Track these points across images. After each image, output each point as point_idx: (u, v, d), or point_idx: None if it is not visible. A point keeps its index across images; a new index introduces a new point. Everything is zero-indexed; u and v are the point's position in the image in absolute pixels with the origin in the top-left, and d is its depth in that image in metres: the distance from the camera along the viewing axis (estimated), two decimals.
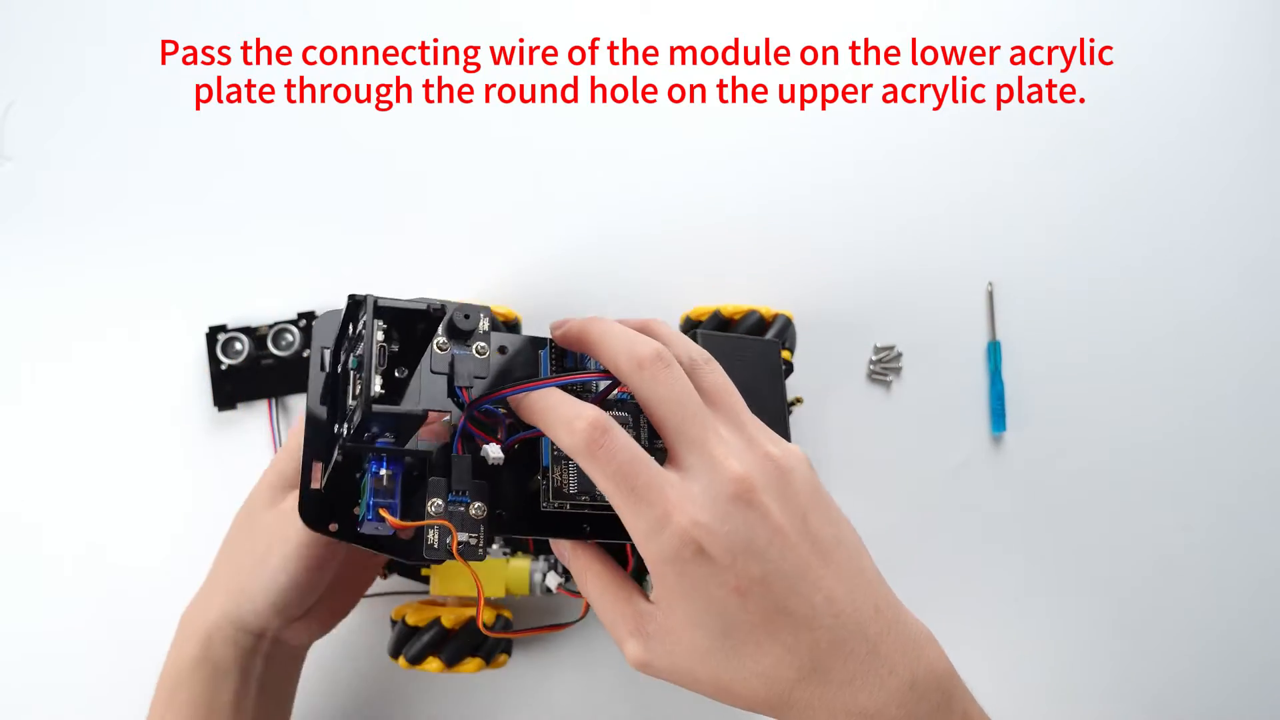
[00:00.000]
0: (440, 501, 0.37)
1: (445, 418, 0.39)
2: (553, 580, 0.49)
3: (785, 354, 0.51)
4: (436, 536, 0.37)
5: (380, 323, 0.35)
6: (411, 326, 0.36)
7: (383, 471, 0.36)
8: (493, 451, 0.37)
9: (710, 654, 0.35)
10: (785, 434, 0.41)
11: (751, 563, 0.34)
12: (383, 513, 0.36)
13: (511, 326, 0.53)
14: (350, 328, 0.39)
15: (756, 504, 0.35)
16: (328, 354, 0.41)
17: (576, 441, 0.35)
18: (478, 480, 0.38)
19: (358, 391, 0.36)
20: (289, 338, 0.56)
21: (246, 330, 0.56)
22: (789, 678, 0.35)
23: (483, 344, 0.39)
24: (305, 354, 0.56)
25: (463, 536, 0.37)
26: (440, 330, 0.38)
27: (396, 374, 0.37)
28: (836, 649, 0.35)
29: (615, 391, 0.39)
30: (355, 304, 0.37)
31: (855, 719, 0.35)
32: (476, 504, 0.37)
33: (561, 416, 0.36)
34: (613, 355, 0.37)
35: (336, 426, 0.39)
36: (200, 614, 0.45)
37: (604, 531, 0.39)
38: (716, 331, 0.43)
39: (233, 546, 0.46)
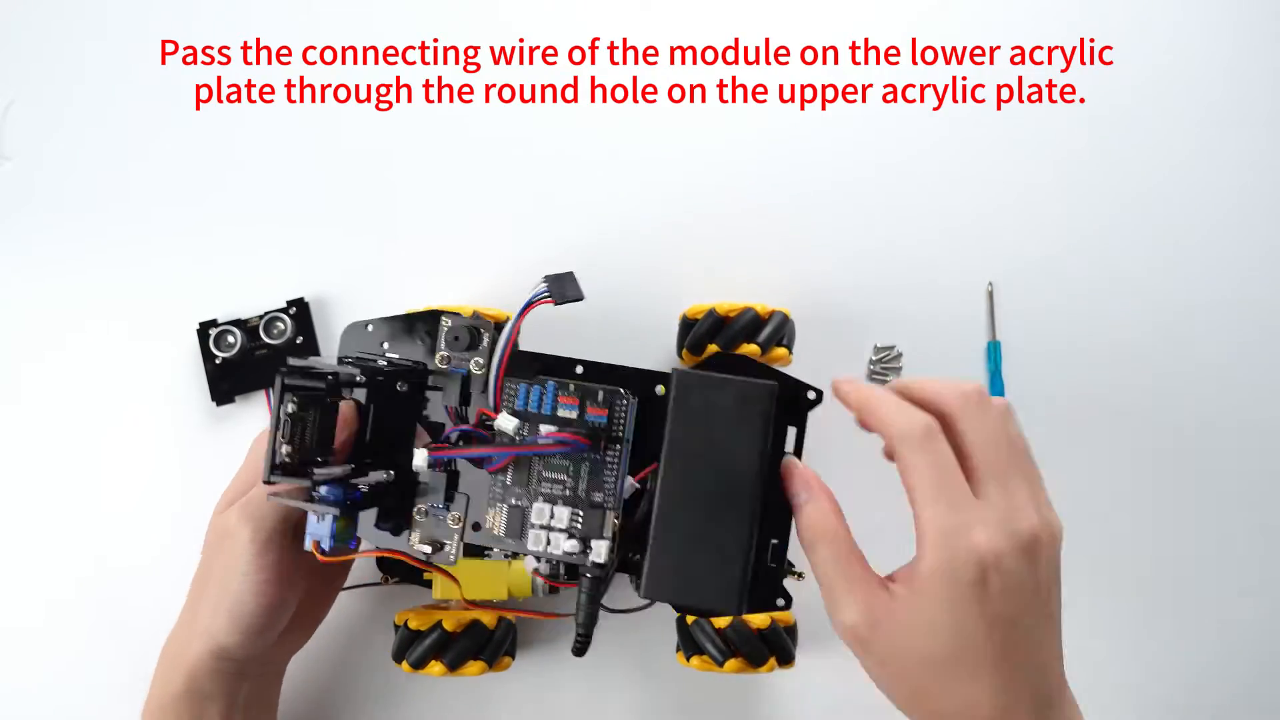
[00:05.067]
0: (423, 507, 0.44)
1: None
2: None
3: (783, 350, 0.51)
4: (417, 541, 0.44)
5: (291, 396, 0.40)
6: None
7: (315, 519, 0.41)
8: (507, 425, 0.41)
9: (929, 663, 0.37)
10: (752, 487, 0.40)
11: (1011, 605, 0.37)
12: (313, 547, 0.41)
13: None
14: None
15: (1036, 559, 0.37)
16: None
17: (914, 430, 0.37)
18: (455, 493, 0.43)
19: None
20: (280, 326, 0.56)
21: (237, 323, 0.56)
22: (984, 716, 0.37)
23: (480, 359, 0.44)
24: (299, 340, 0.56)
25: (432, 548, 0.43)
26: (442, 344, 0.44)
27: (399, 387, 0.44)
28: (1035, 710, 0.37)
29: (545, 450, 0.42)
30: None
31: None
32: (453, 513, 0.43)
33: (900, 410, 0.38)
34: (936, 393, 0.39)
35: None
36: (181, 650, 0.45)
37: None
38: (693, 371, 0.41)
39: (202, 582, 0.46)
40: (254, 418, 0.56)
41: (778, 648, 0.48)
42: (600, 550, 0.41)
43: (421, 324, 0.45)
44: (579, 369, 0.43)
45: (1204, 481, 0.57)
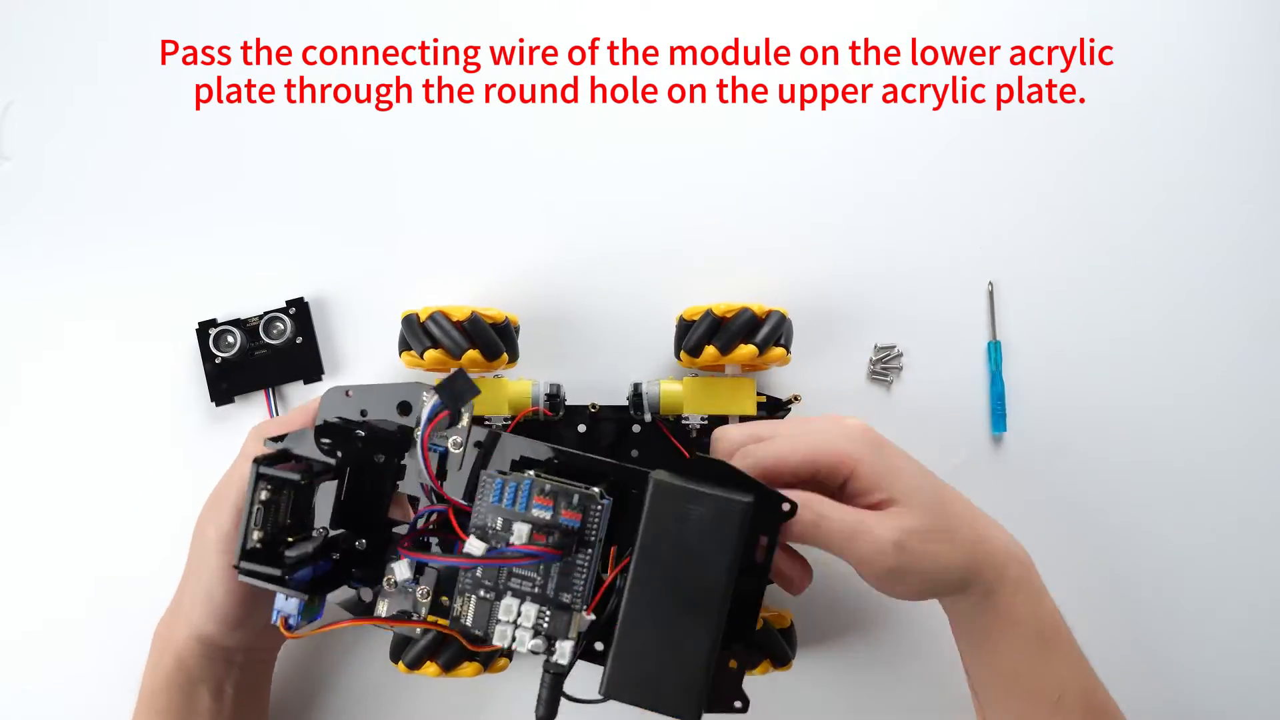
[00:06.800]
0: (394, 579, 0.43)
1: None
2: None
3: (780, 351, 0.51)
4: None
5: (265, 484, 0.41)
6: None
7: (282, 597, 0.42)
8: (475, 550, 0.41)
9: (908, 511, 0.42)
10: (717, 617, 0.39)
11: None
12: (279, 624, 0.42)
13: (502, 329, 0.52)
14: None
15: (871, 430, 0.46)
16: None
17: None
18: (425, 567, 0.43)
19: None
20: (280, 325, 0.56)
21: (237, 323, 0.56)
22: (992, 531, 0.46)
23: (458, 438, 0.43)
24: (298, 340, 0.56)
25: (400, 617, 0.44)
26: (424, 418, 0.43)
27: (376, 459, 0.44)
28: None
29: (517, 562, 0.42)
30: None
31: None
32: (422, 588, 0.44)
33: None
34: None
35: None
36: (169, 633, 0.47)
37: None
38: (671, 479, 0.40)
39: (186, 572, 0.48)
40: (253, 418, 0.56)
41: (772, 649, 0.48)
42: (564, 651, 0.41)
43: (403, 394, 0.44)
44: (554, 459, 0.43)
45: (1206, 479, 0.57)
